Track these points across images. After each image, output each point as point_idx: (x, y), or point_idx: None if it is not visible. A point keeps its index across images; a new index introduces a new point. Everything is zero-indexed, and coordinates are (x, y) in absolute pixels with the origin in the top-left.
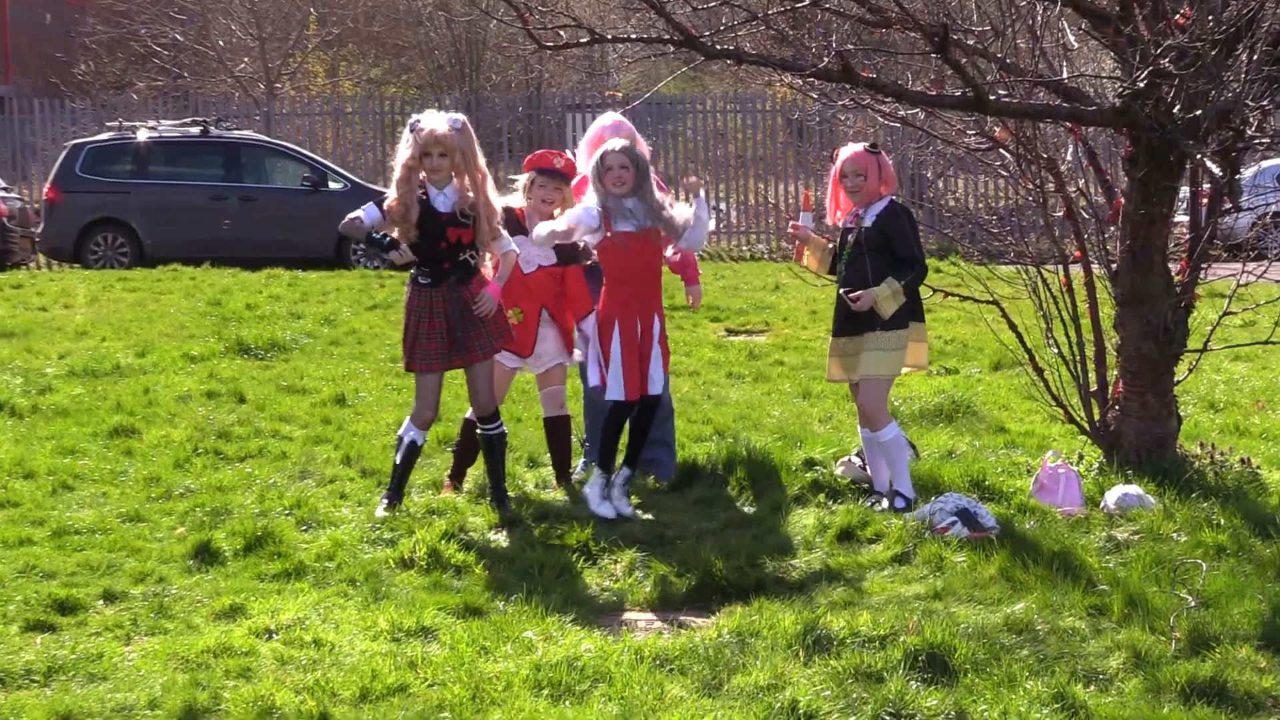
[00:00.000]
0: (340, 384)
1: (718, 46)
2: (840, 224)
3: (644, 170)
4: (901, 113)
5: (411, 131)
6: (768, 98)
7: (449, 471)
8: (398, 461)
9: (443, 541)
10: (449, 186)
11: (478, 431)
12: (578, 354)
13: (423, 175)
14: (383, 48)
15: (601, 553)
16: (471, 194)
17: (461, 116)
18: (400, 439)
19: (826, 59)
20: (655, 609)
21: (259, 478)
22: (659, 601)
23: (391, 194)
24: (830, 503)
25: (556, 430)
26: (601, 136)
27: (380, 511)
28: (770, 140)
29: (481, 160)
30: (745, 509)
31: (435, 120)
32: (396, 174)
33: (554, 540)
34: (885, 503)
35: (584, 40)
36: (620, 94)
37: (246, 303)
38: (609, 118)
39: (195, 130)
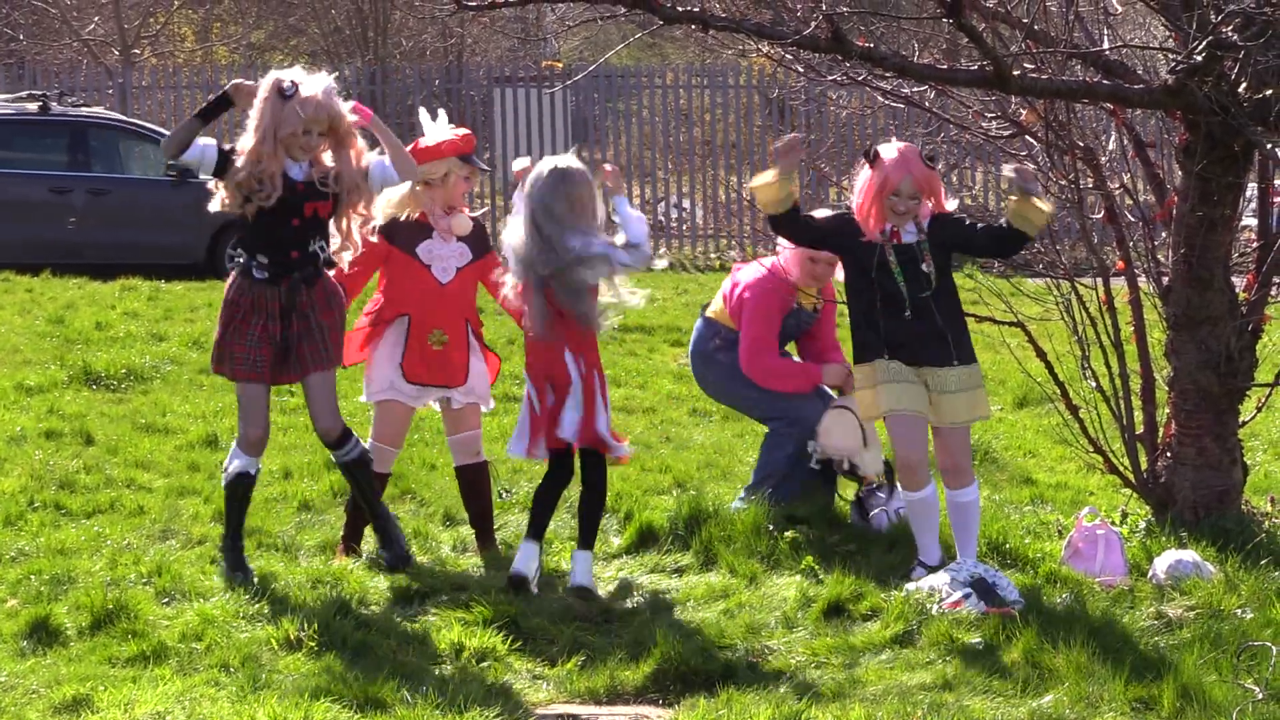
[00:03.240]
0: (211, 422)
1: (679, 8)
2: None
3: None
4: (906, 91)
5: (286, 97)
6: (741, 71)
7: (342, 531)
8: (235, 499)
9: (337, 617)
10: None
11: (334, 458)
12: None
13: None
14: (266, 5)
15: (534, 632)
16: (334, 163)
17: (329, 78)
18: (226, 474)
19: (813, 24)
20: (600, 701)
21: (110, 538)
22: (605, 692)
23: (243, 159)
24: (816, 570)
25: (475, 481)
26: (809, 253)
27: (228, 571)
28: (745, 123)
29: (355, 131)
30: (711, 578)
31: (311, 84)
32: (256, 141)
33: (475, 616)
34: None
35: None
36: (561, 65)
37: (96, 320)
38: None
39: (32, 106)
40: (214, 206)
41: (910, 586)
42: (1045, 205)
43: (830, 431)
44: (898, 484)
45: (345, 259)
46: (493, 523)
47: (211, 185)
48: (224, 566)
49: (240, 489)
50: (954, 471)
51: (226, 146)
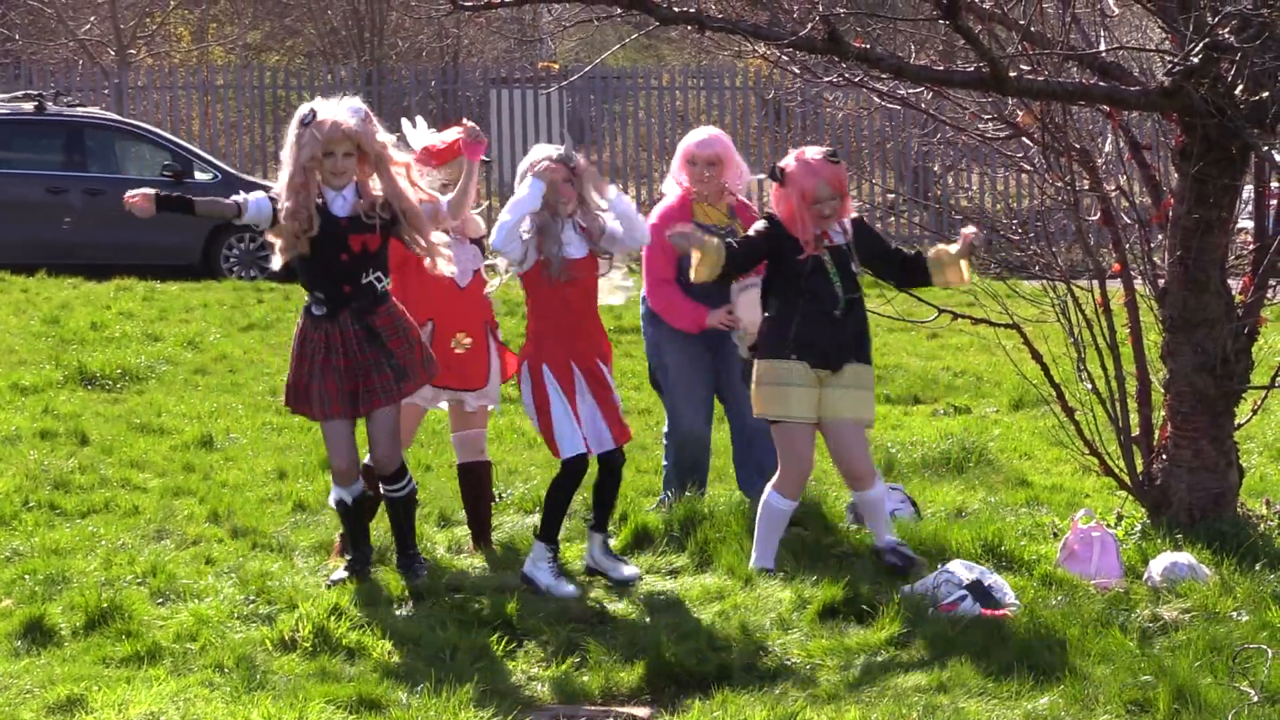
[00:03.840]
0: (206, 422)
1: (675, 9)
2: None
3: (589, 179)
4: (902, 92)
5: (304, 126)
6: (738, 72)
7: (339, 531)
8: (344, 522)
9: (332, 618)
10: (349, 187)
11: (382, 491)
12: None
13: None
14: (262, 6)
15: (528, 633)
16: (379, 191)
17: (360, 102)
18: (338, 505)
19: (809, 25)
20: (594, 702)
21: (105, 538)
22: (599, 693)
23: (283, 198)
24: (811, 572)
25: (476, 480)
26: (688, 146)
27: (338, 574)
28: (741, 124)
29: (395, 150)
30: (706, 579)
31: (333, 110)
32: (289, 176)
33: (470, 617)
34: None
35: None
36: (557, 66)
37: (91, 321)
38: (704, 130)
39: (28, 106)
40: (276, 264)
41: (906, 589)
42: (969, 276)
43: (745, 308)
44: (770, 486)
45: (445, 269)
46: (490, 523)
47: (269, 239)
48: (343, 569)
49: (351, 515)
50: (855, 477)
51: (273, 195)
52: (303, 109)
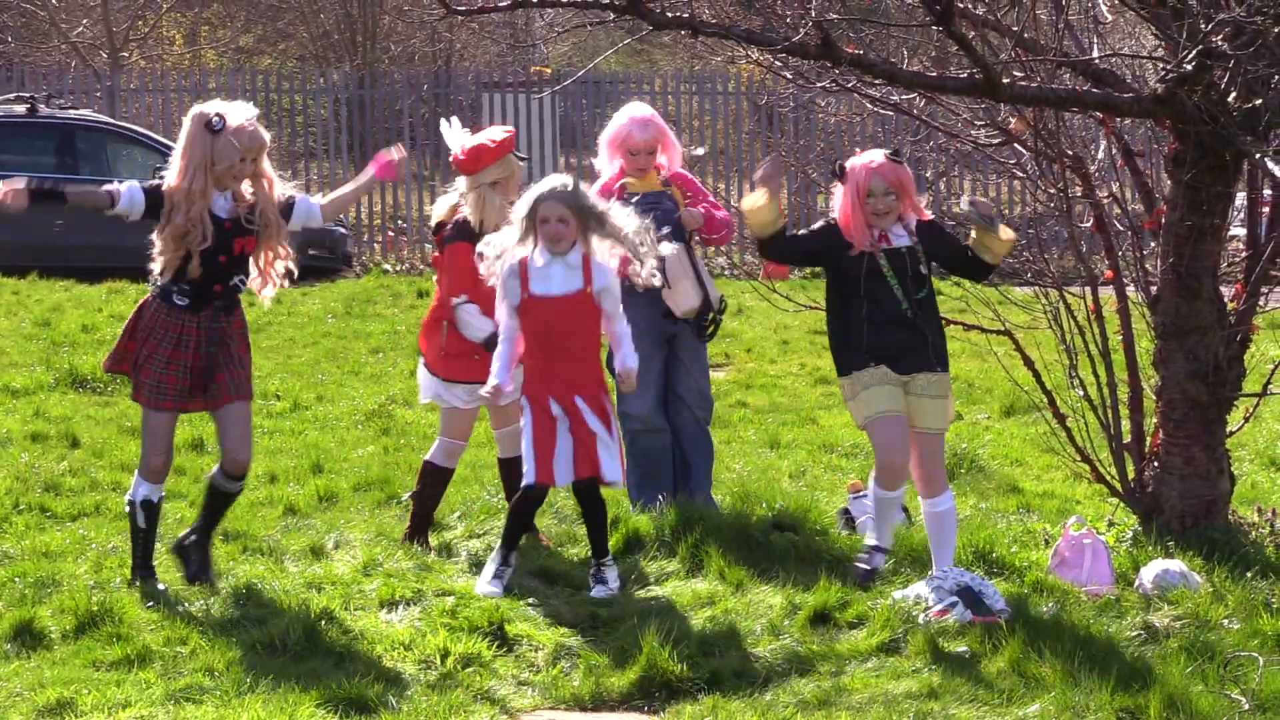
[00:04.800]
0: (196, 425)
1: (668, 14)
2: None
3: (593, 218)
4: (895, 98)
5: (214, 131)
6: (730, 77)
7: (410, 524)
8: (141, 526)
9: (322, 622)
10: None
11: (225, 488)
12: None
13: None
14: (255, 9)
15: (520, 638)
16: (254, 196)
17: (252, 107)
18: (131, 504)
19: (802, 30)
20: (585, 707)
21: (95, 541)
22: (590, 698)
23: (177, 204)
24: (802, 577)
25: (517, 475)
26: (629, 134)
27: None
28: (733, 129)
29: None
30: (697, 585)
31: (237, 113)
32: (187, 180)
33: (460, 621)
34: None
35: (503, 4)
36: (549, 70)
37: (83, 323)
38: (637, 109)
39: (20, 108)
40: (157, 269)
41: (897, 595)
42: (1007, 233)
43: (671, 263)
44: (872, 479)
45: (267, 296)
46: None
47: (154, 249)
48: (137, 582)
49: (151, 517)
50: (928, 480)
51: (149, 184)
52: (209, 113)
